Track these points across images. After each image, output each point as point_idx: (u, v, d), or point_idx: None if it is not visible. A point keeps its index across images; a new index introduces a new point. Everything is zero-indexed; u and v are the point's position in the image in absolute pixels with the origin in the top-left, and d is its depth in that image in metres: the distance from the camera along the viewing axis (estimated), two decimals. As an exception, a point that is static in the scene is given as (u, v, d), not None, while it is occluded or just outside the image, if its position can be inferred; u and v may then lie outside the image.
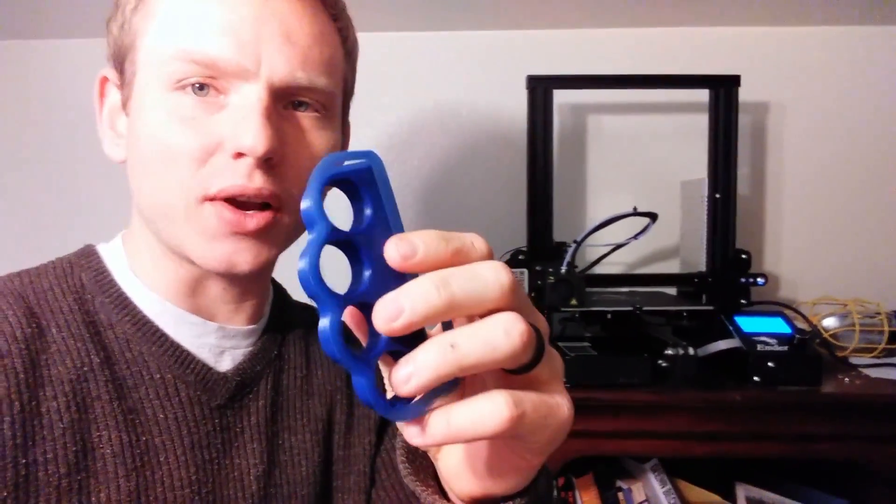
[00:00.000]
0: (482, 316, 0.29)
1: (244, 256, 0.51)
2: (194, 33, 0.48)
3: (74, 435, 0.47)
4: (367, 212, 0.31)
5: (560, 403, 0.32)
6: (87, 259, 0.56)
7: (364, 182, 0.31)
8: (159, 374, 0.53)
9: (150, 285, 0.55)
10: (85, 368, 0.50)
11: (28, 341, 0.48)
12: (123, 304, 0.54)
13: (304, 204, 0.28)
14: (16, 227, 1.35)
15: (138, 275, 0.55)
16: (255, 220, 0.49)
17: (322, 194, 0.29)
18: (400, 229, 0.32)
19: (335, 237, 0.29)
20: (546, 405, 0.31)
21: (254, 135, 0.46)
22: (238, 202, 0.49)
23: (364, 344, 0.31)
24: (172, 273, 0.55)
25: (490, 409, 0.28)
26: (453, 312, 0.28)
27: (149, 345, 0.53)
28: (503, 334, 0.28)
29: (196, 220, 0.49)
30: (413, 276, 0.29)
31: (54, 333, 0.50)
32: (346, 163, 0.30)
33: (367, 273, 0.30)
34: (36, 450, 0.46)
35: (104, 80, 0.55)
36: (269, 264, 0.54)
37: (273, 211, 0.51)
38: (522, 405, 0.29)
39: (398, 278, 0.29)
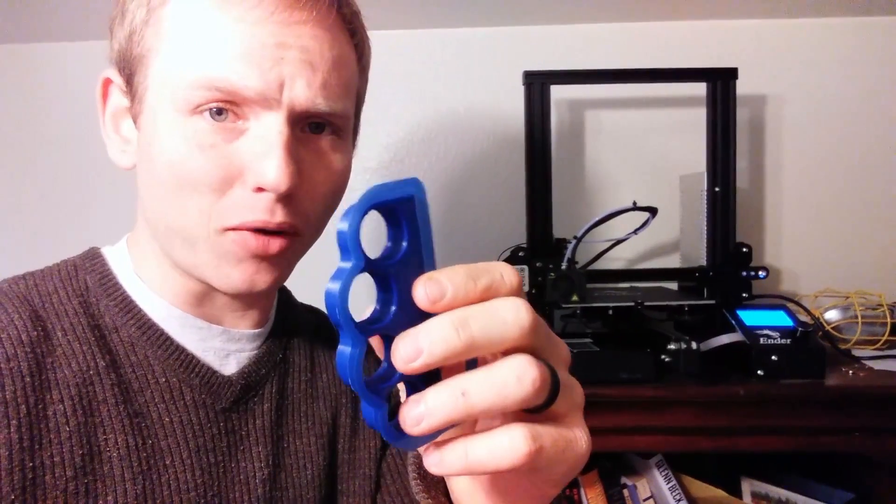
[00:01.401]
0: (504, 353, 0.29)
1: (264, 277, 0.51)
2: (215, 59, 0.46)
3: (81, 438, 0.47)
4: (404, 243, 0.30)
5: (578, 437, 0.32)
6: (92, 262, 0.56)
7: (405, 212, 0.30)
8: (164, 378, 0.52)
9: (155, 290, 0.54)
10: (91, 372, 0.49)
11: (34, 344, 0.48)
12: (128, 307, 0.53)
13: (342, 227, 0.27)
14: (19, 230, 1.34)
15: (143, 279, 0.55)
16: (277, 243, 0.49)
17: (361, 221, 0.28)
18: (432, 263, 0.31)
19: (368, 267, 0.28)
20: (564, 439, 0.31)
21: (277, 173, 0.46)
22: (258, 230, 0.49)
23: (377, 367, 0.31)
24: (181, 285, 0.54)
25: (508, 444, 0.28)
26: (472, 353, 0.28)
27: (154, 348, 0.53)
28: (515, 381, 0.28)
29: (218, 247, 0.49)
30: None
31: (60, 336, 0.50)
32: (390, 193, 0.30)
33: (392, 308, 0.30)
34: (43, 453, 0.46)
35: (107, 81, 0.54)
36: (284, 280, 0.54)
37: (291, 236, 0.51)
38: (540, 439, 0.29)
39: (423, 312, 0.29)
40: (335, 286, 0.27)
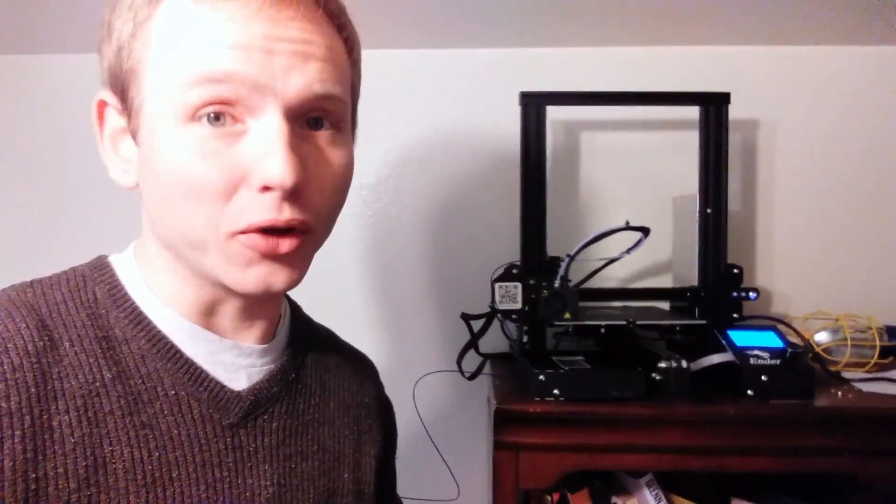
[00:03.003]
0: None
1: (279, 277, 0.51)
2: (206, 54, 0.46)
3: (86, 450, 0.47)
4: None
5: None
6: (101, 272, 0.56)
7: None
8: (174, 391, 0.52)
9: (164, 301, 0.54)
10: (97, 383, 0.49)
11: (40, 355, 0.48)
12: (138, 319, 0.53)
13: None
14: (25, 235, 1.34)
15: (153, 289, 0.55)
16: (287, 242, 0.49)
17: None
18: None
19: None
20: None
21: (281, 168, 0.46)
22: (267, 231, 0.49)
23: None
24: (191, 294, 0.54)
25: None
26: None
27: (164, 361, 0.53)
28: None
29: (227, 252, 0.49)
30: None
31: (67, 347, 0.49)
32: None
33: None
34: (47, 464, 0.45)
35: (102, 103, 0.54)
36: (301, 281, 0.54)
37: (301, 234, 0.51)
38: None
39: None
40: None
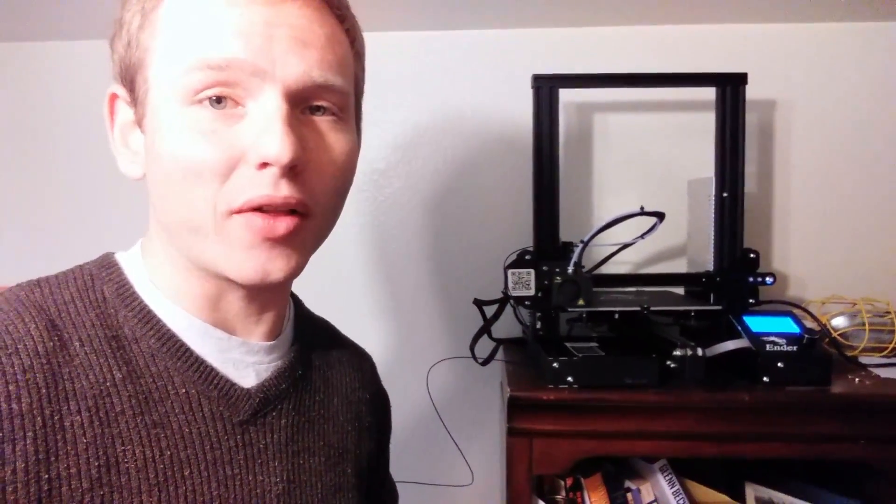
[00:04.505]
0: None
1: (277, 264, 0.51)
2: (207, 40, 0.47)
3: (98, 450, 0.47)
4: None
5: None
6: (108, 271, 0.56)
7: None
8: (184, 389, 0.53)
9: (171, 298, 0.55)
10: (108, 383, 0.49)
11: (50, 355, 0.48)
12: (147, 318, 0.53)
13: None
14: (28, 229, 1.35)
15: (160, 287, 0.55)
16: (284, 223, 0.49)
17: None
18: None
19: None
20: None
21: (278, 143, 0.46)
22: (265, 210, 0.49)
23: None
24: (197, 287, 0.54)
25: None
26: None
27: (174, 360, 0.53)
28: None
29: (225, 233, 0.49)
30: None
31: (77, 347, 0.50)
32: None
33: None
34: (59, 465, 0.45)
35: (113, 97, 0.55)
36: (300, 271, 0.54)
37: (299, 216, 0.51)
38: None
39: None
40: None
